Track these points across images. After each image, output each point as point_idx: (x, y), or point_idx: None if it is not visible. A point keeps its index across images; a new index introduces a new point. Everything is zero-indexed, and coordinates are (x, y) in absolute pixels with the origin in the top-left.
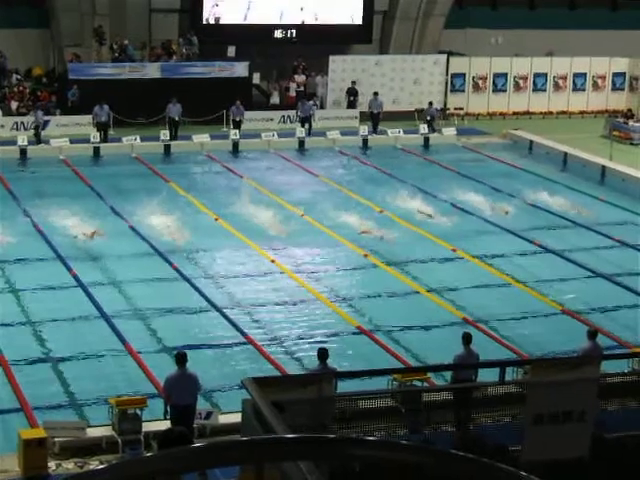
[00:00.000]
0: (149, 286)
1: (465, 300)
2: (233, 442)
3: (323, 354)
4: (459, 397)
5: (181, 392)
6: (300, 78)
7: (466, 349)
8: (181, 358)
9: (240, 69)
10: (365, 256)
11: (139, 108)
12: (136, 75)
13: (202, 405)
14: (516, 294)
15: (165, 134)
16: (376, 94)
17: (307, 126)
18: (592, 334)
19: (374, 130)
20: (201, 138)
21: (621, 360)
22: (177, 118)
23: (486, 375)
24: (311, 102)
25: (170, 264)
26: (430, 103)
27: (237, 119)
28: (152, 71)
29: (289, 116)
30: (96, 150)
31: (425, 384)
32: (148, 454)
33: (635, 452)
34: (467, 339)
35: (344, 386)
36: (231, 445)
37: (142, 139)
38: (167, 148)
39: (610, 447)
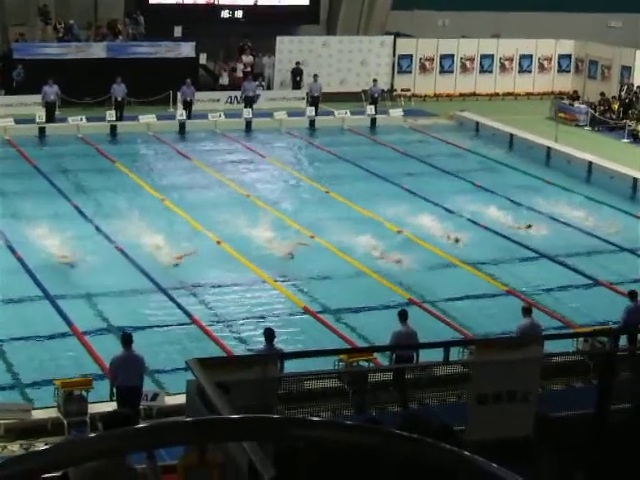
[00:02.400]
0: (94, 267)
1: (412, 281)
2: (177, 423)
3: (269, 334)
4: (398, 376)
5: (127, 373)
6: (248, 59)
7: (403, 326)
8: (127, 339)
9: (186, 49)
10: (312, 237)
11: (85, 88)
12: (82, 55)
13: (148, 387)
14: (461, 275)
15: (111, 114)
16: (315, 77)
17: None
18: (527, 310)
19: (315, 113)
20: (147, 119)
21: (566, 340)
22: (119, 98)
23: (432, 355)
24: (255, 83)
25: (115, 245)
26: (374, 81)
27: (188, 99)
28: (98, 51)
29: (236, 97)
30: (41, 130)
31: (371, 365)
32: (92, 434)
33: (579, 431)
34: (403, 316)
35: (291, 367)
36: (175, 426)
37: (88, 119)
38: (113, 128)
39: (554, 426)
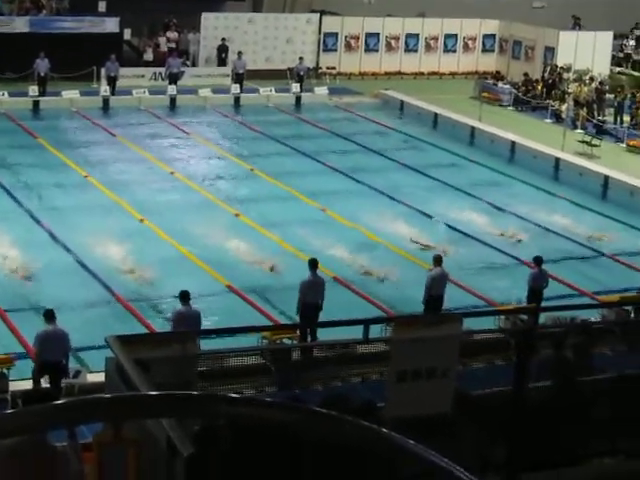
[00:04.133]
0: (17, 244)
1: (338, 262)
2: (95, 399)
3: (184, 295)
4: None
5: (51, 348)
6: (172, 35)
7: (312, 274)
8: (50, 315)
9: (111, 25)
10: (236, 215)
11: (7, 63)
12: (4, 29)
13: (71, 364)
14: (385, 253)
15: (34, 90)
16: (240, 54)
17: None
18: (437, 260)
19: (240, 90)
20: (71, 94)
21: (488, 317)
22: (43, 74)
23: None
24: (180, 59)
25: (38, 222)
26: (300, 59)
27: (112, 75)
28: (21, 25)
29: (160, 73)
30: None
31: (295, 342)
32: (10, 410)
33: (498, 408)
34: (313, 265)
35: (215, 344)
36: (93, 402)
37: (10, 94)
38: (36, 104)
39: (474, 403)
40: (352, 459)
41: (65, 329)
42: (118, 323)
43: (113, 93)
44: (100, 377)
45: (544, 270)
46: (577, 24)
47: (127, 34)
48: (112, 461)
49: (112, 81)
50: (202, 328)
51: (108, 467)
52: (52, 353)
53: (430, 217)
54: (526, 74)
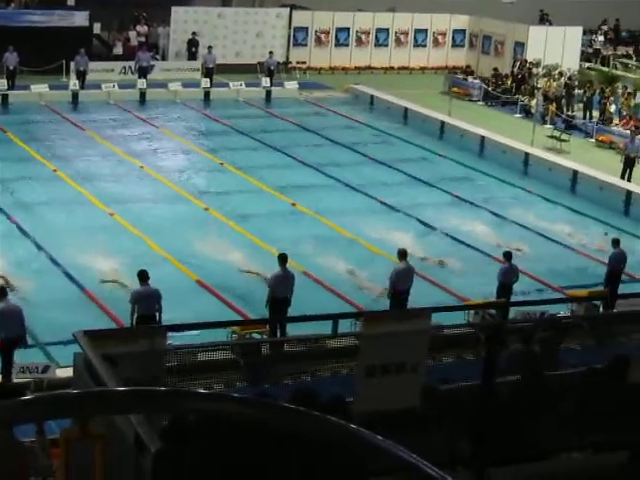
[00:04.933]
0: None
1: (307, 256)
2: (62, 395)
3: (143, 275)
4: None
5: (8, 325)
6: (142, 28)
7: (282, 269)
8: (1, 291)
9: (80, 18)
10: (206, 209)
11: None
12: None
13: (41, 359)
14: (354, 247)
15: (2, 83)
16: (210, 48)
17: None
18: (402, 254)
19: (210, 84)
20: (40, 88)
21: (458, 312)
22: (11, 67)
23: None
24: (149, 53)
25: (8, 217)
26: (270, 53)
27: (81, 69)
28: None
29: (130, 67)
30: None
31: (264, 337)
32: None
33: (466, 402)
34: (283, 259)
35: (184, 339)
36: (60, 398)
37: None
38: (5, 98)
39: (442, 398)
40: (321, 454)
41: (18, 304)
42: (88, 318)
43: (82, 87)
44: (69, 372)
45: (514, 265)
46: (546, 19)
47: (97, 28)
48: (79, 457)
49: (81, 75)
50: (171, 324)
51: (75, 463)
52: (11, 330)
53: (399, 211)
54: (496, 69)
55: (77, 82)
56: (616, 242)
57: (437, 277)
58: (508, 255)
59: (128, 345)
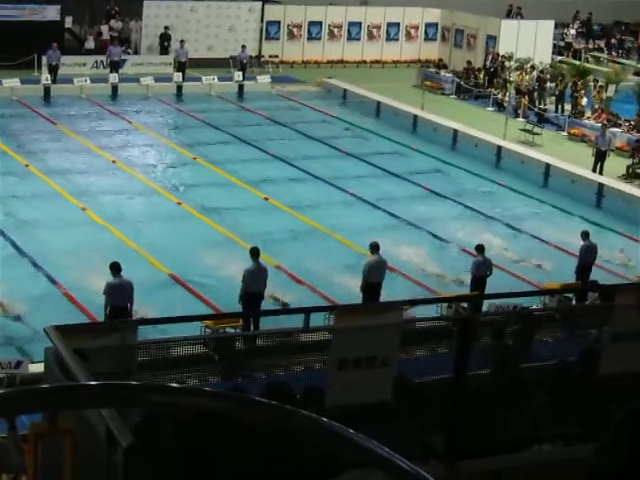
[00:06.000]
0: None
1: (280, 251)
2: (30, 389)
3: (115, 267)
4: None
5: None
6: (117, 24)
7: (255, 263)
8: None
9: (52, 12)
10: (179, 204)
11: None
12: None
13: (13, 355)
14: (326, 240)
15: None
16: (182, 42)
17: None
18: (374, 247)
19: (182, 79)
20: (11, 83)
21: (430, 306)
22: None
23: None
24: (120, 47)
25: None
26: (242, 47)
27: (53, 63)
28: None
29: (102, 61)
30: None
31: (238, 331)
32: None
33: (438, 396)
34: (255, 253)
35: (157, 333)
36: (28, 393)
37: None
38: None
39: (414, 391)
40: (292, 448)
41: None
42: (61, 312)
43: (54, 81)
44: (41, 367)
45: (487, 258)
46: (516, 13)
47: (68, 22)
48: (49, 452)
49: (53, 69)
50: (144, 317)
51: (45, 458)
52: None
53: (372, 204)
54: (469, 62)
55: (49, 76)
56: (585, 235)
57: (408, 270)
58: (481, 248)
59: (99, 339)
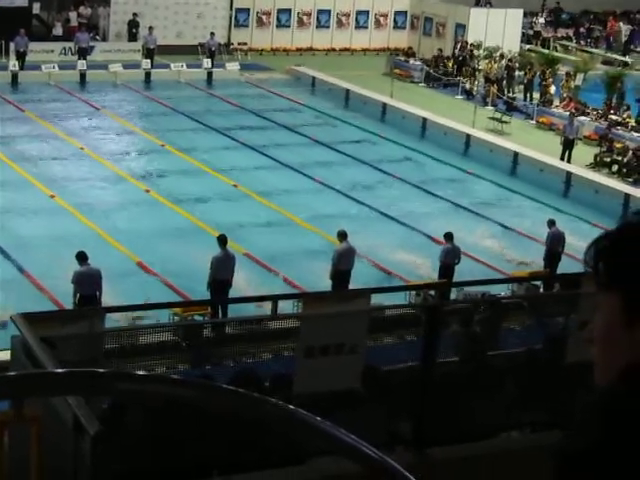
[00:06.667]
0: None
1: (248, 239)
2: None
3: (81, 256)
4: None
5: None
6: (86, 11)
7: (222, 250)
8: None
9: None
10: (147, 191)
11: None
12: None
13: None
14: (294, 228)
15: None
16: (151, 29)
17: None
18: (342, 235)
19: (150, 65)
20: None
21: (399, 293)
22: None
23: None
24: (87, 34)
25: None
26: (211, 34)
27: (21, 49)
28: None
29: (70, 48)
30: None
31: (206, 318)
32: None
33: (406, 383)
34: (223, 241)
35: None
36: None
37: None
38: None
39: (382, 378)
40: (260, 436)
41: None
42: (29, 300)
43: (22, 68)
44: (8, 356)
45: (456, 246)
46: (486, 2)
47: (36, 8)
48: (15, 440)
49: (21, 56)
50: (113, 305)
51: (11, 445)
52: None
53: (341, 193)
54: (440, 50)
55: (17, 63)
56: (552, 222)
57: (376, 257)
58: (449, 236)
59: (67, 327)
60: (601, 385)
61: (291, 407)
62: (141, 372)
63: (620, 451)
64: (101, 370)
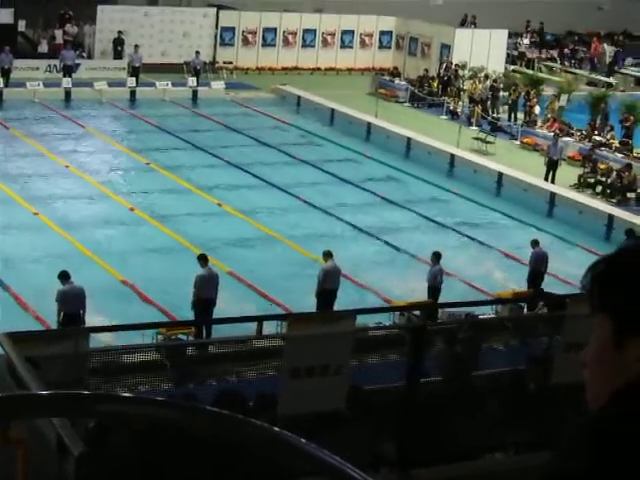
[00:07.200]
0: None
1: (232, 257)
2: None
3: (64, 274)
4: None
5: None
6: (72, 29)
7: (205, 269)
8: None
9: (5, 16)
10: (131, 209)
11: None
12: None
13: None
14: (279, 246)
15: None
16: (136, 47)
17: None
18: (328, 254)
19: (136, 84)
20: None
21: (383, 314)
22: None
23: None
24: (72, 51)
25: None
26: (197, 53)
27: (6, 67)
28: None
29: (55, 65)
30: None
31: (190, 338)
32: None
33: (390, 403)
34: (203, 259)
35: (110, 340)
36: None
37: None
38: None
39: (367, 399)
40: (242, 457)
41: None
42: (13, 319)
43: (7, 85)
44: None
45: (441, 267)
46: (470, 22)
47: (22, 25)
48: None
49: (6, 73)
50: (96, 325)
51: None
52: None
53: (325, 211)
54: (426, 70)
55: (1, 80)
56: (535, 242)
57: (360, 277)
58: (437, 256)
59: (52, 347)
60: (593, 408)
61: (275, 429)
62: (124, 394)
63: (610, 475)
64: (84, 392)
